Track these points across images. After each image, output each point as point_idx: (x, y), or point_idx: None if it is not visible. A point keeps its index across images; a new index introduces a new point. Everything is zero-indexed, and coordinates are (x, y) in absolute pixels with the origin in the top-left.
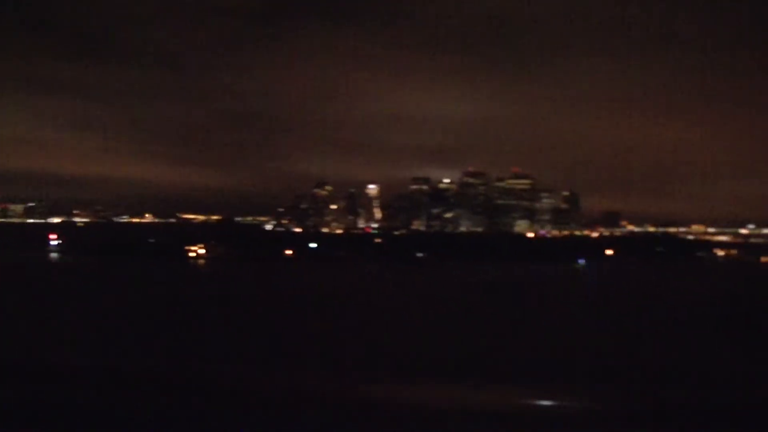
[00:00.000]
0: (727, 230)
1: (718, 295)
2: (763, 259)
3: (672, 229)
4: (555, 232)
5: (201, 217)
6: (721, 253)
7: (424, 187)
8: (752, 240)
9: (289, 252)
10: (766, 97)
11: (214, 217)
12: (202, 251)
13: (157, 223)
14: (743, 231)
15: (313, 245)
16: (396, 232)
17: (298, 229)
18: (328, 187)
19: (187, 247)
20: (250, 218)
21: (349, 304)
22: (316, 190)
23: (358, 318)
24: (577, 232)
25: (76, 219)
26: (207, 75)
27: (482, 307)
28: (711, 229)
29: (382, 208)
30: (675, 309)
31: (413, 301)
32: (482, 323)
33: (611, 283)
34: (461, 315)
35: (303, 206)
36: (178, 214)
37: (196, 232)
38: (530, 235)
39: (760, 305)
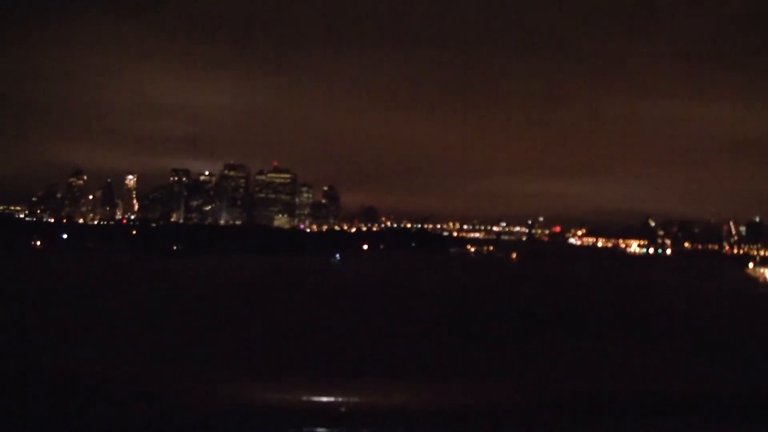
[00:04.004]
0: (480, 227)
1: (449, 290)
2: (513, 255)
3: (429, 225)
4: (314, 227)
5: None
6: (472, 249)
7: (184, 178)
8: (504, 237)
9: (37, 242)
10: (520, 96)
11: None
12: None
13: None
14: (496, 228)
15: (64, 236)
16: (153, 224)
17: (51, 219)
18: (85, 177)
19: None
20: (1, 207)
21: (80, 296)
22: (71, 180)
23: (85, 310)
24: (336, 227)
25: None
26: None
27: (230, 300)
28: (465, 226)
29: (140, 199)
30: (409, 303)
31: (152, 294)
32: (228, 316)
33: (358, 277)
34: (206, 308)
35: (58, 195)
36: None
37: None
38: (289, 228)
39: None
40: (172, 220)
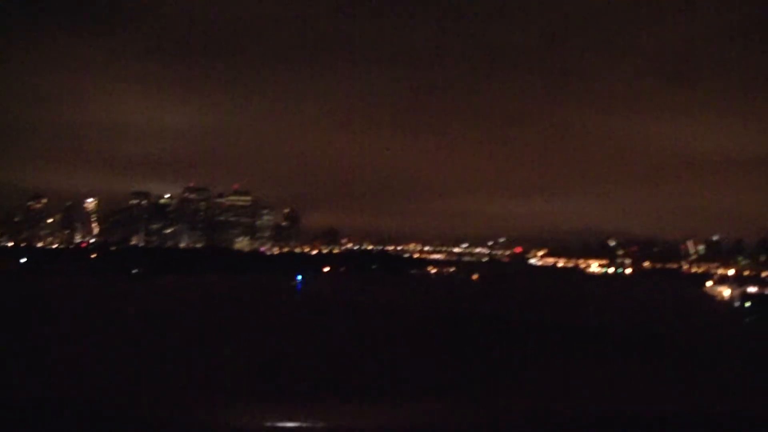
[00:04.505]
0: (441, 248)
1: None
2: (474, 276)
3: (390, 247)
4: (275, 249)
5: None
6: (433, 270)
7: (144, 201)
8: (465, 258)
9: None
10: (482, 115)
11: None
12: None
13: None
14: (457, 249)
15: (23, 260)
16: (113, 247)
17: (9, 243)
18: (44, 200)
19: None
20: None
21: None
22: (30, 203)
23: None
24: (297, 249)
25: None
26: None
27: (187, 324)
28: (427, 247)
29: (100, 222)
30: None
31: (108, 319)
32: (179, 341)
33: (318, 299)
34: (158, 332)
35: (16, 219)
36: None
37: None
38: (249, 251)
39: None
40: (133, 243)
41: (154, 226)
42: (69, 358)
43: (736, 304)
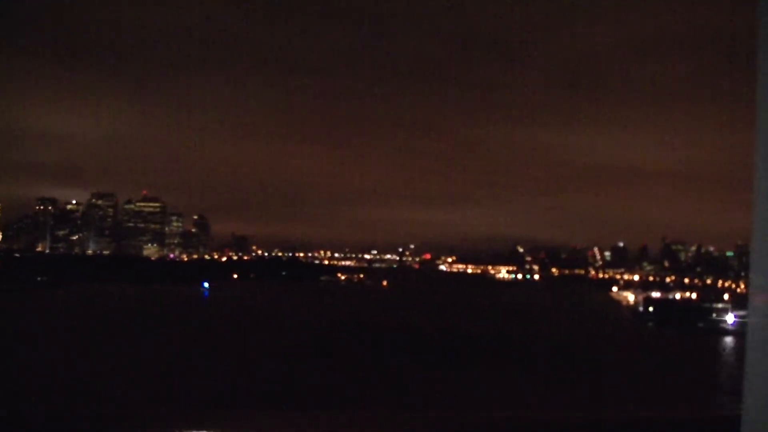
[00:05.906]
0: (351, 255)
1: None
2: (384, 282)
3: (300, 254)
4: (184, 256)
5: None
6: (343, 277)
7: (50, 207)
8: (375, 265)
9: None
10: (391, 124)
11: None
12: None
13: None
14: (367, 256)
15: None
16: (17, 254)
17: None
18: None
19: None
20: None
21: None
22: None
23: None
24: (207, 256)
25: None
26: None
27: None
28: (337, 254)
29: (3, 228)
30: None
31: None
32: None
33: (223, 307)
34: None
35: None
36: None
37: None
38: (158, 258)
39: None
40: (38, 249)
41: (61, 233)
42: None
43: (640, 308)
